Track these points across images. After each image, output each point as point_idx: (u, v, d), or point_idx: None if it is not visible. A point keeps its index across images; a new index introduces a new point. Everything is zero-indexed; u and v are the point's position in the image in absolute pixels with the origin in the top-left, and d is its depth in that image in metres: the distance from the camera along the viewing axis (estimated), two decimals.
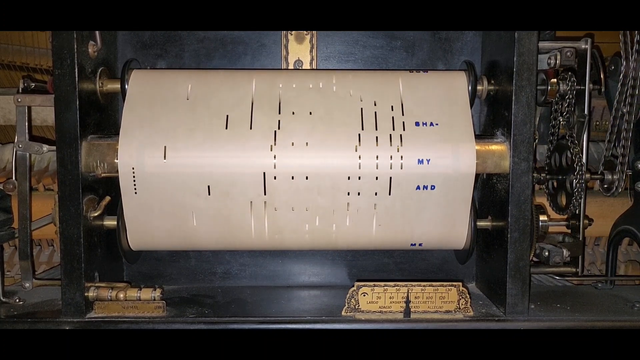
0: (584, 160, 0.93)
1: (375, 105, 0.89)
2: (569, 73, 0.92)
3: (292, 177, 0.86)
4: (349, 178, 0.86)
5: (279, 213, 0.88)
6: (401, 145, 0.86)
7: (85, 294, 0.85)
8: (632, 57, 0.97)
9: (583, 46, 0.93)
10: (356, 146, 0.86)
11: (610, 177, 1.00)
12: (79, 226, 0.84)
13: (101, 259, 0.91)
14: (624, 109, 0.98)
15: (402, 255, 1.07)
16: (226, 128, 0.87)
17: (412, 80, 0.93)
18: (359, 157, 0.86)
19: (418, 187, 0.87)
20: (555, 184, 1.00)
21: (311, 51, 1.03)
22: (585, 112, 0.95)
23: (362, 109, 0.89)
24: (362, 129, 0.87)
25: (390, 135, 0.87)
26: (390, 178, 0.86)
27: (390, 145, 0.86)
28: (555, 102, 0.95)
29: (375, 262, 1.07)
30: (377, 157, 0.86)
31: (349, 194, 0.87)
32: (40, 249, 1.21)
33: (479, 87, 0.93)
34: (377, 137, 0.87)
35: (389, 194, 0.87)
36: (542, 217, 0.94)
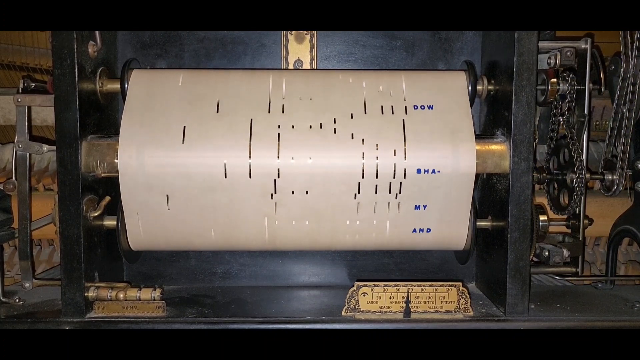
0: (584, 160, 0.93)
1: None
2: (569, 73, 0.92)
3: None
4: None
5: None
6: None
7: (85, 294, 0.85)
8: (632, 57, 0.97)
9: (583, 46, 0.93)
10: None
11: (610, 177, 1.00)
12: (79, 226, 0.84)
13: (101, 259, 0.91)
14: (624, 109, 0.98)
15: (402, 255, 1.07)
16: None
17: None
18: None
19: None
20: (555, 184, 1.01)
21: (311, 51, 1.03)
22: (585, 112, 0.95)
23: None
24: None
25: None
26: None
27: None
28: (555, 102, 0.95)
29: (375, 262, 1.07)
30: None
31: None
32: (40, 248, 1.21)
33: (479, 87, 0.93)
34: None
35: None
36: (542, 217, 0.94)
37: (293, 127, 0.87)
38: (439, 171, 0.86)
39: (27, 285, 0.93)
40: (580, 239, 0.97)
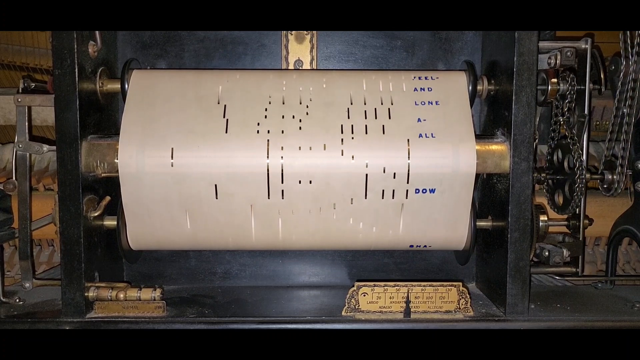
0: (584, 160, 0.93)
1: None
2: (569, 73, 0.92)
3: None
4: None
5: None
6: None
7: (85, 294, 0.85)
8: (632, 57, 0.97)
9: (583, 46, 0.93)
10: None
11: (610, 177, 1.00)
12: (79, 226, 0.84)
13: (101, 259, 0.91)
14: (624, 109, 0.98)
15: (402, 255, 1.07)
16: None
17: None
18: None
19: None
20: (555, 183, 1.00)
21: (311, 51, 1.03)
22: (585, 112, 0.95)
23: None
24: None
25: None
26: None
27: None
28: (555, 102, 0.95)
29: (375, 262, 1.07)
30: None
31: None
32: (40, 249, 1.21)
33: (479, 87, 0.93)
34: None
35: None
36: (542, 217, 0.94)
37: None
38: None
39: (27, 285, 0.93)
40: (580, 239, 0.97)
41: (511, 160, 0.85)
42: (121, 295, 0.86)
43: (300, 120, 0.88)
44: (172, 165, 0.86)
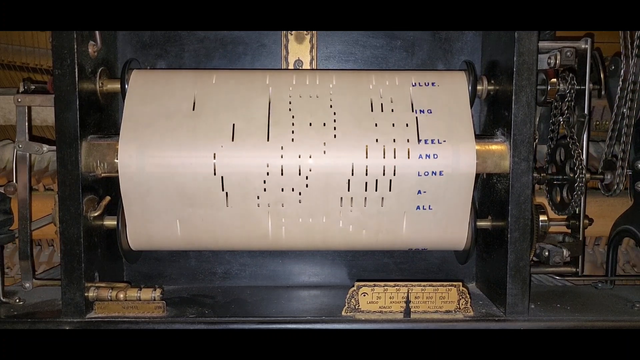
0: (584, 160, 0.93)
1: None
2: (569, 73, 0.92)
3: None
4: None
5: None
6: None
7: (85, 294, 0.85)
8: (632, 57, 0.97)
9: (583, 46, 0.93)
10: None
11: (610, 177, 1.00)
12: (79, 226, 0.84)
13: (101, 259, 0.91)
14: (624, 109, 0.98)
15: (402, 255, 1.07)
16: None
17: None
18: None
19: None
20: (555, 183, 1.00)
21: (311, 51, 1.03)
22: (585, 112, 0.95)
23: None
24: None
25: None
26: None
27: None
28: (555, 102, 0.95)
29: (375, 262, 1.07)
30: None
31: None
32: (40, 249, 1.21)
33: (479, 87, 0.93)
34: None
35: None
36: (542, 217, 0.94)
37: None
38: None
39: (27, 285, 0.93)
40: (580, 239, 0.97)
41: (511, 160, 0.85)
42: (121, 295, 0.86)
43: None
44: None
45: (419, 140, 0.87)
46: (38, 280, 0.94)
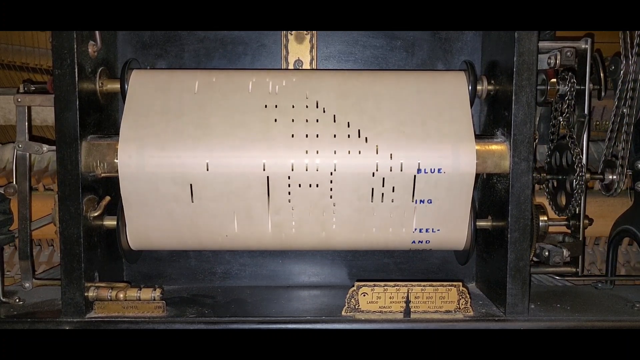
0: (584, 160, 0.93)
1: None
2: (569, 73, 0.92)
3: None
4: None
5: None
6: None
7: (85, 294, 0.85)
8: (632, 57, 0.97)
9: (583, 46, 0.93)
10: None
11: (610, 177, 1.00)
12: (79, 226, 0.84)
13: (101, 259, 0.91)
14: (624, 109, 0.98)
15: (402, 255, 1.07)
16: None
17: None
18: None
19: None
20: (555, 184, 1.00)
21: (311, 51, 1.03)
22: (585, 112, 0.95)
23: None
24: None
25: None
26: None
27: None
28: (555, 102, 0.95)
29: (375, 262, 1.07)
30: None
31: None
32: (40, 249, 1.21)
33: (479, 87, 0.93)
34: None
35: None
36: (542, 217, 0.94)
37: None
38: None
39: (27, 285, 0.93)
40: (580, 239, 0.97)
41: (511, 160, 0.85)
42: (121, 295, 0.86)
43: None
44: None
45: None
46: (38, 280, 0.94)
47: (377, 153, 0.86)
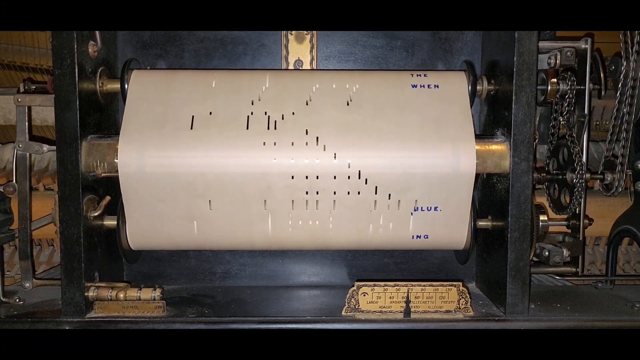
0: (584, 160, 0.93)
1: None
2: (569, 73, 0.92)
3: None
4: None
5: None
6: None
7: (85, 294, 0.85)
8: (632, 57, 0.97)
9: (583, 46, 0.93)
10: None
11: (610, 177, 1.00)
12: (79, 226, 0.84)
13: (101, 259, 0.91)
14: (624, 109, 0.98)
15: (402, 255, 1.07)
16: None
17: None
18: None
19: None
20: (555, 184, 1.00)
21: (311, 51, 1.03)
22: (585, 112, 0.95)
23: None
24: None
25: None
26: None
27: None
28: (555, 102, 0.95)
29: (375, 262, 1.07)
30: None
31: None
32: (40, 249, 1.21)
33: (479, 87, 0.93)
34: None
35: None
36: (542, 217, 0.94)
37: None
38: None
39: (27, 285, 0.93)
40: (580, 239, 0.97)
41: (511, 160, 0.85)
42: (121, 295, 0.86)
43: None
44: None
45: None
46: (38, 280, 0.94)
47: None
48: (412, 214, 0.89)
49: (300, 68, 1.03)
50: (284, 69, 1.03)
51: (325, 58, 1.04)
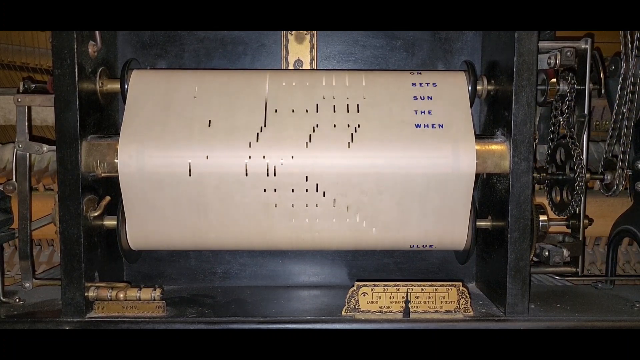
0: (584, 160, 0.93)
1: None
2: (569, 73, 0.92)
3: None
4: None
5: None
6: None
7: (85, 294, 0.85)
8: (632, 57, 0.97)
9: (583, 46, 0.93)
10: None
11: (610, 177, 1.00)
12: (79, 226, 0.84)
13: (101, 259, 0.91)
14: (624, 109, 0.98)
15: (402, 255, 1.07)
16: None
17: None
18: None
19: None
20: (555, 184, 1.00)
21: (311, 51, 1.03)
22: (585, 112, 0.95)
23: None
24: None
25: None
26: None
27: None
28: (555, 102, 0.95)
29: (375, 262, 1.07)
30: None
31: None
32: (40, 249, 1.21)
33: (479, 87, 0.93)
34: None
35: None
36: (542, 217, 0.94)
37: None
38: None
39: (27, 285, 0.93)
40: (580, 239, 0.97)
41: (511, 160, 0.85)
42: (121, 295, 0.86)
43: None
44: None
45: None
46: (38, 280, 0.94)
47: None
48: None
49: (300, 68, 1.03)
50: (284, 69, 1.03)
51: (325, 58, 1.04)
